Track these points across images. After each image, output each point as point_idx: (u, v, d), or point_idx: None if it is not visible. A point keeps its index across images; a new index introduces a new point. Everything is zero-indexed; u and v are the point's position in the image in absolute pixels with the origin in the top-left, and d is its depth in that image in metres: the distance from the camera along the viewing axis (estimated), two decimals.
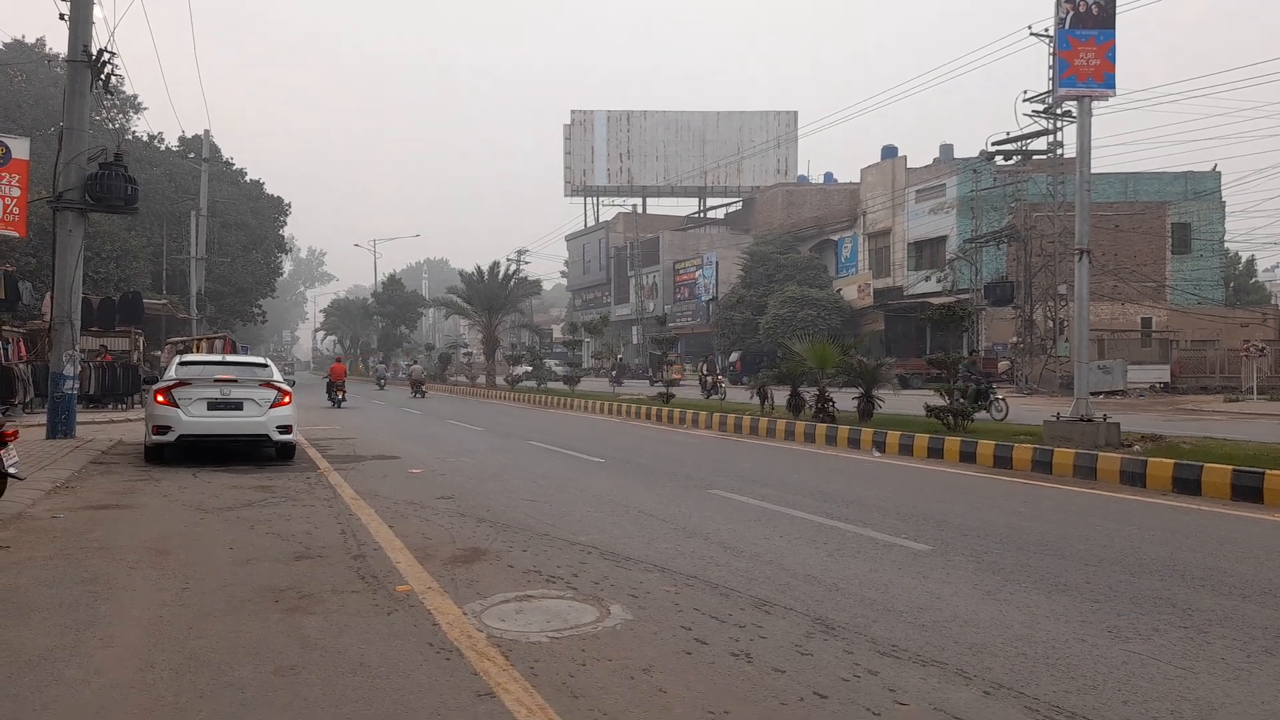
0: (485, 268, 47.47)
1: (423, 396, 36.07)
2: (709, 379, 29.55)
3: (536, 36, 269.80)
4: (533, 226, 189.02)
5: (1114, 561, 6.60)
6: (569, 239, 78.51)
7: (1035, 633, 4.89)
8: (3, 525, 7.46)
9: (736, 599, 5.54)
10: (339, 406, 27.83)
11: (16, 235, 15.32)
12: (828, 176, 61.41)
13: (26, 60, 41.55)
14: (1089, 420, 13.04)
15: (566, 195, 74.98)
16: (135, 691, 3.93)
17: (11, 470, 7.87)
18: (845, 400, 18.22)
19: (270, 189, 53.80)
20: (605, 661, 4.38)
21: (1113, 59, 13.30)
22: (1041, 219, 34.71)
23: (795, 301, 43.49)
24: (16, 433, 8.33)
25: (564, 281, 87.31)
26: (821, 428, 16.16)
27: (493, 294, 46.38)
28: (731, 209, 70.74)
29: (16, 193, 14.13)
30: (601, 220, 73.58)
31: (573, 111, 73.42)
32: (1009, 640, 4.75)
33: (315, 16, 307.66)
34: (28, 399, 20.41)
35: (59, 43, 42.73)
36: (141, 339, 28.67)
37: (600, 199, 74.17)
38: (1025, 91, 31.86)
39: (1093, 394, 14.68)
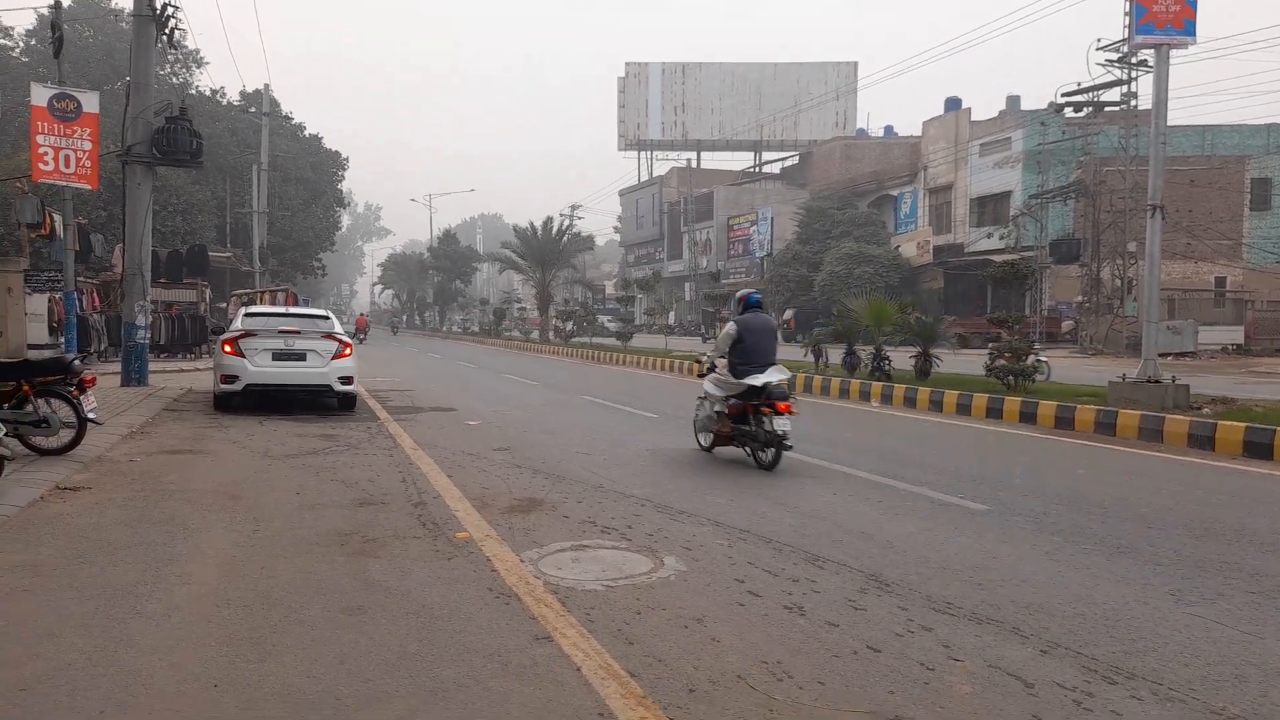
0: (539, 223, 47.53)
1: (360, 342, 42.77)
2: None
3: None
4: (586, 181, 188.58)
5: (1178, 525, 6.46)
6: (622, 194, 78.02)
7: (1094, 594, 4.83)
8: (84, 468, 7.82)
9: (790, 554, 5.57)
10: (360, 343, 34.61)
11: (89, 188, 15.76)
12: (888, 130, 59.66)
13: (94, 15, 42.37)
14: (1156, 381, 12.67)
15: (620, 149, 74.32)
16: (212, 626, 4.12)
17: (91, 416, 8.23)
18: (902, 360, 17.96)
19: (328, 144, 54.49)
20: (659, 610, 4.46)
21: (1194, 4, 12.60)
22: (1112, 174, 33.43)
23: (852, 258, 42.75)
24: (94, 380, 8.70)
25: (617, 237, 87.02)
26: (877, 386, 15.99)
27: (546, 249, 46.50)
28: (788, 163, 69.33)
29: (88, 146, 14.49)
30: (655, 175, 72.90)
31: (627, 64, 72.46)
32: (1067, 601, 4.70)
33: None
34: (102, 348, 21.22)
35: None
36: (208, 291, 29.45)
37: (654, 153, 73.43)
38: (1099, 40, 30.57)
39: (1161, 355, 14.23)
